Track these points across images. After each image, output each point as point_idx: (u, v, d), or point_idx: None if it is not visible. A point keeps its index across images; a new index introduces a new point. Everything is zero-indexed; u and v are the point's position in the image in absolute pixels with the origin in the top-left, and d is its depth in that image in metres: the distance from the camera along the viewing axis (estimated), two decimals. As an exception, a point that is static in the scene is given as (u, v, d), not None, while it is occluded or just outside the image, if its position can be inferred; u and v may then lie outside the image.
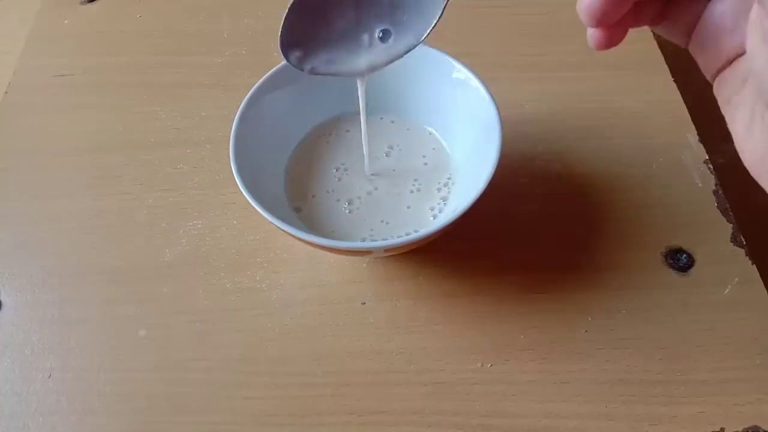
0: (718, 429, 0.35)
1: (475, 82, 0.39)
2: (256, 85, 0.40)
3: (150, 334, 0.39)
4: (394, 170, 0.42)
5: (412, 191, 0.41)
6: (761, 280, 0.40)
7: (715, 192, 0.43)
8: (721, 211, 0.42)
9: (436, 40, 0.53)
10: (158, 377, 0.37)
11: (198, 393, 0.37)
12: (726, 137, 0.55)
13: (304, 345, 0.38)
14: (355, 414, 0.36)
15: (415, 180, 0.41)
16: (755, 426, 0.35)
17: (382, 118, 0.44)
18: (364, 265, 0.41)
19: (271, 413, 0.36)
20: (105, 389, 0.37)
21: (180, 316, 0.39)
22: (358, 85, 0.37)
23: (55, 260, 0.42)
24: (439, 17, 0.33)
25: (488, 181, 0.35)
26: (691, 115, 0.47)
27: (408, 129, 0.44)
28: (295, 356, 0.38)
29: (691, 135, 0.46)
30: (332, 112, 0.44)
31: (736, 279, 0.40)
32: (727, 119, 0.25)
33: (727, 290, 0.39)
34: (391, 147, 0.43)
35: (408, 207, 0.40)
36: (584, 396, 0.36)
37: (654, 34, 0.52)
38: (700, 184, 0.44)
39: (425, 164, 0.42)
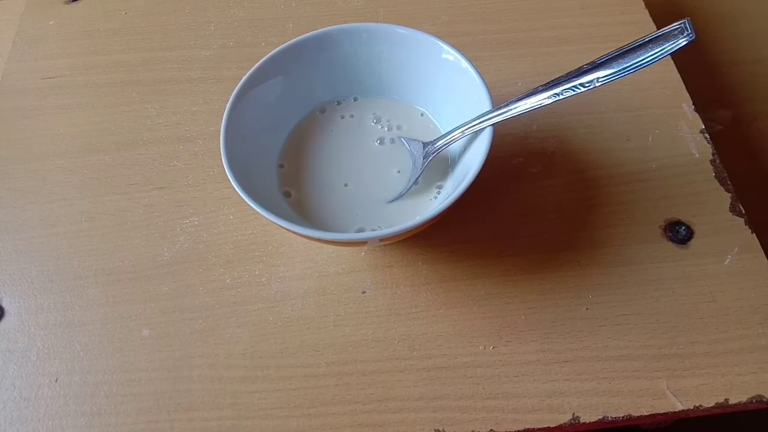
0: (722, 400, 0.35)
1: (464, 64, 0.39)
2: (245, 78, 0.40)
3: (153, 333, 0.39)
4: (388, 155, 0.42)
5: (399, 172, 0.41)
6: (761, 249, 0.39)
7: (712, 162, 0.43)
8: (719, 181, 0.42)
9: (429, 21, 0.52)
10: (164, 376, 0.37)
11: (204, 389, 0.37)
12: (722, 102, 0.54)
13: (307, 336, 0.38)
14: (360, 402, 0.36)
15: (412, 165, 0.41)
16: (759, 395, 0.35)
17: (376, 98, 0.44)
18: (363, 253, 0.41)
19: (277, 406, 0.36)
20: (112, 390, 0.37)
21: (182, 313, 0.39)
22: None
23: (54, 265, 0.42)
24: None
25: (482, 164, 0.35)
26: (685, 81, 0.47)
27: (402, 111, 0.44)
28: (298, 348, 0.38)
29: (687, 104, 0.46)
30: (323, 100, 0.44)
31: (736, 249, 0.40)
32: None
33: (728, 260, 0.39)
34: (385, 131, 0.43)
35: (405, 192, 0.40)
36: (587, 374, 0.36)
37: (646, 4, 0.51)
38: (697, 155, 0.43)
39: (421, 147, 0.42)
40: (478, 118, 0.37)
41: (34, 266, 0.42)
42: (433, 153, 0.40)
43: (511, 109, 0.36)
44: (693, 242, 0.40)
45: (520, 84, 0.48)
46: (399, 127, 0.43)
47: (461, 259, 0.40)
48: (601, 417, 0.35)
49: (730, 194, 0.42)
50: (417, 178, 0.40)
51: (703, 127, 0.45)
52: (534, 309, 0.38)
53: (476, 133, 0.38)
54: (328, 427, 0.35)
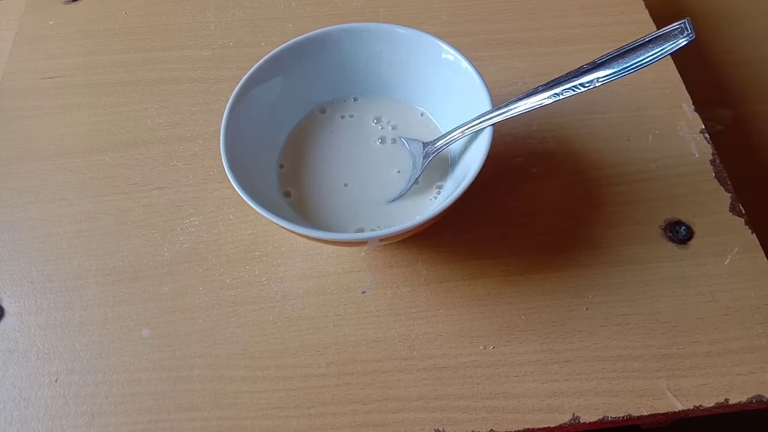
0: (722, 400, 0.35)
1: (464, 64, 0.39)
2: (245, 78, 0.40)
3: (153, 333, 0.39)
4: (388, 155, 0.42)
5: (399, 172, 0.41)
6: (761, 249, 0.39)
7: (712, 162, 0.43)
8: (719, 181, 0.42)
9: (429, 21, 0.52)
10: (164, 376, 0.37)
11: (204, 389, 0.37)
12: (722, 102, 0.54)
13: (307, 336, 0.38)
14: (360, 402, 0.36)
15: (412, 165, 0.41)
16: (759, 395, 0.35)
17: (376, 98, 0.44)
18: (363, 253, 0.41)
19: (277, 406, 0.36)
20: (112, 390, 0.37)
21: (182, 313, 0.39)
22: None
23: (54, 265, 0.42)
24: None
25: (482, 164, 0.35)
26: (685, 81, 0.47)
27: (402, 111, 0.44)
28: (298, 348, 0.38)
29: (687, 104, 0.46)
30: (323, 100, 0.44)
31: (736, 249, 0.40)
32: None
33: (728, 260, 0.39)
34: (385, 131, 0.43)
35: (405, 192, 0.40)
36: (587, 374, 0.36)
37: (646, 4, 0.51)
38: (697, 155, 0.43)
39: (421, 147, 0.42)
40: (478, 118, 0.37)
41: (34, 266, 0.42)
42: (433, 153, 0.40)
43: (511, 109, 0.36)
44: (693, 242, 0.40)
45: (520, 84, 0.48)
46: (399, 127, 0.43)
47: (461, 259, 0.40)
48: (601, 417, 0.35)
49: (730, 194, 0.42)
50: (417, 178, 0.40)
51: (703, 127, 0.45)
52: (534, 309, 0.38)
53: (476, 133, 0.38)
54: (328, 427, 0.35)
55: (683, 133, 0.44)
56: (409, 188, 0.40)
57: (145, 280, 0.41)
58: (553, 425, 0.35)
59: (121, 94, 0.50)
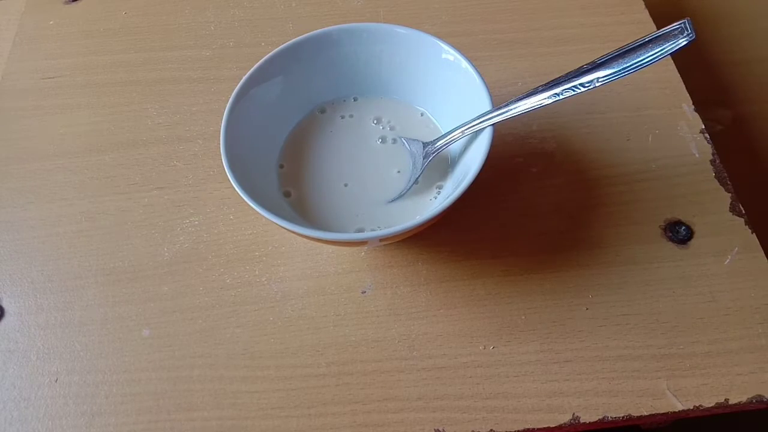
0: (722, 400, 0.35)
1: (464, 64, 0.39)
2: (245, 78, 0.40)
3: (153, 333, 0.39)
4: (388, 155, 0.42)
5: (399, 172, 0.41)
6: (761, 249, 0.39)
7: (712, 162, 0.43)
8: (719, 181, 0.42)
9: (429, 21, 0.52)
10: (164, 376, 0.37)
11: (204, 389, 0.37)
12: (722, 102, 0.54)
13: (307, 336, 0.38)
14: (360, 402, 0.36)
15: (412, 165, 0.41)
16: (759, 395, 0.35)
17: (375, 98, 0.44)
18: (363, 253, 0.41)
19: (277, 406, 0.36)
20: (112, 390, 0.37)
21: (182, 313, 0.39)
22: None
23: (54, 265, 0.42)
24: None
25: (482, 164, 0.35)
26: (685, 81, 0.47)
27: (402, 111, 0.44)
28: (298, 348, 0.38)
29: (687, 105, 0.46)
30: (323, 100, 0.44)
31: (736, 249, 0.40)
32: None
33: (728, 260, 0.39)
34: (385, 131, 0.43)
35: (405, 192, 0.40)
36: (587, 374, 0.36)
37: (646, 4, 0.51)
38: (697, 155, 0.43)
39: (421, 147, 0.42)
40: (478, 118, 0.37)
41: (34, 266, 0.42)
42: (433, 153, 0.40)
43: (511, 109, 0.36)
44: (693, 242, 0.40)
45: (520, 84, 0.48)
46: (399, 127, 0.43)
47: (461, 259, 0.40)
48: (601, 417, 0.35)
49: (730, 194, 0.42)
50: (417, 178, 0.40)
51: (703, 127, 0.45)
52: (534, 309, 0.38)
53: (476, 133, 0.38)
54: (328, 427, 0.35)
55: (683, 133, 0.44)
56: (409, 188, 0.40)
57: (145, 280, 0.41)
58: (553, 425, 0.35)
59: (121, 94, 0.50)
